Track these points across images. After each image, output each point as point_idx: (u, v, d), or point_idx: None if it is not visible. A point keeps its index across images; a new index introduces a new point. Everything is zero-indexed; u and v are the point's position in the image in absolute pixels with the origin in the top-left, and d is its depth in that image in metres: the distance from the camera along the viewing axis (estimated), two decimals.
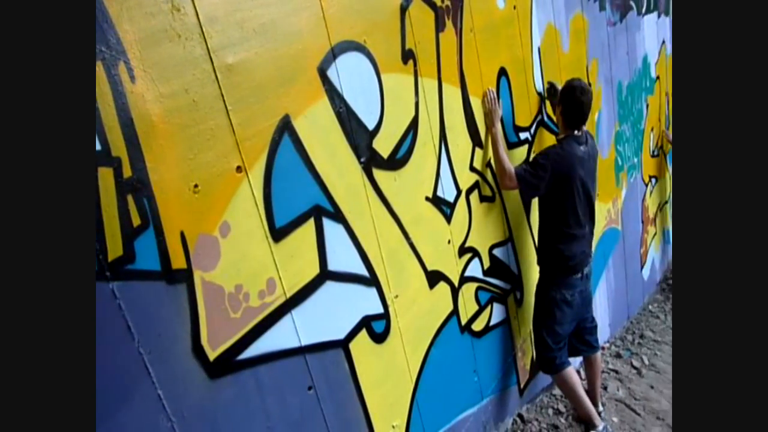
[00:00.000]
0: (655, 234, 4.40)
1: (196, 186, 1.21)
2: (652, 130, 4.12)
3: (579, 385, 2.47)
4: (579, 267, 2.36)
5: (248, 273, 1.35)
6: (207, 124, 1.23)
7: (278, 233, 1.41)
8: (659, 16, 4.08)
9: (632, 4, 3.53)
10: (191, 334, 1.23)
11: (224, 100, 1.25)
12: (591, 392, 2.73)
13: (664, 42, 4.23)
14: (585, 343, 2.63)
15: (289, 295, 1.46)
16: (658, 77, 4.14)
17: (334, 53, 1.52)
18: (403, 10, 1.74)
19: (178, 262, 1.19)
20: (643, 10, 3.74)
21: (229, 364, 1.32)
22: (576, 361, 2.91)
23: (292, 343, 1.48)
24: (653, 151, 4.23)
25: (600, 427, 2.45)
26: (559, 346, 2.44)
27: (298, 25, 1.41)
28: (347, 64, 1.56)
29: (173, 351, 1.20)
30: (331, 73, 1.51)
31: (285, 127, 1.40)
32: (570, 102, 2.24)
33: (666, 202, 4.65)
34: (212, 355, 1.28)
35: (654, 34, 4.00)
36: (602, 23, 3.13)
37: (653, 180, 4.27)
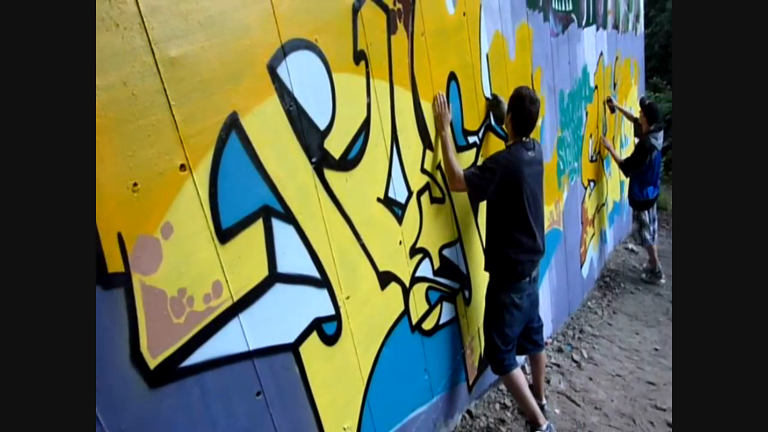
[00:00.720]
0: (594, 234, 4.66)
1: (135, 184, 1.15)
2: (590, 136, 4.37)
3: (525, 386, 2.57)
4: (527, 272, 2.43)
5: (192, 276, 1.29)
6: (148, 119, 1.16)
7: (225, 234, 1.36)
8: (597, 29, 4.33)
9: (573, 16, 3.73)
10: (129, 342, 1.16)
11: (167, 95, 1.20)
12: (536, 387, 2.85)
13: (602, 53, 4.50)
14: (532, 342, 2.73)
15: (236, 298, 1.41)
16: (596, 87, 4.39)
17: (285, 51, 1.49)
18: (355, 10, 1.73)
19: (114, 265, 1.12)
20: (584, 22, 3.96)
21: (171, 372, 1.25)
22: (521, 357, 3.02)
23: (240, 348, 1.44)
24: (592, 157, 4.48)
25: (544, 427, 2.55)
26: (509, 348, 2.52)
27: (247, 20, 1.37)
28: (298, 62, 1.53)
29: (109, 360, 1.13)
30: (281, 70, 1.48)
31: (232, 124, 1.36)
32: (519, 110, 2.30)
33: (603, 205, 4.94)
34: (152, 363, 1.21)
35: (593, 45, 4.25)
36: (546, 33, 3.27)
37: (592, 183, 4.52)
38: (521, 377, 2.56)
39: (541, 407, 2.79)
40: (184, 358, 1.29)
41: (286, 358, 1.60)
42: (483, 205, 2.70)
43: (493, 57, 2.65)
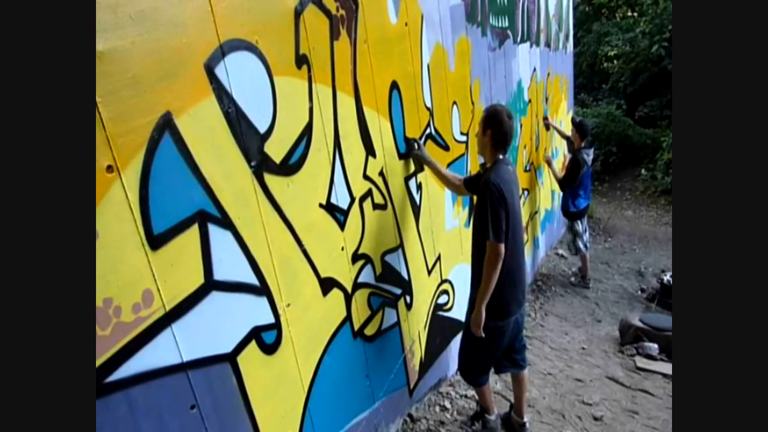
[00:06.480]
0: (527, 240, 4.90)
1: None
2: (524, 147, 4.60)
3: (489, 393, 2.79)
4: (513, 309, 2.38)
5: (120, 284, 1.21)
6: None
7: (157, 240, 1.29)
8: (531, 46, 4.59)
9: (509, 32, 3.92)
10: None
11: None
12: (517, 406, 2.81)
13: (535, 69, 4.76)
14: (512, 361, 2.68)
15: (168, 307, 1.34)
16: (530, 100, 4.64)
17: (223, 51, 1.45)
18: (297, 14, 1.72)
19: None
20: (518, 39, 4.18)
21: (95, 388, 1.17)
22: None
23: (173, 360, 1.37)
24: (526, 167, 4.72)
25: (492, 417, 2.77)
26: (485, 370, 2.65)
27: (182, 17, 1.32)
28: (237, 63, 1.49)
29: None
30: (219, 71, 1.44)
31: (166, 124, 1.30)
32: (498, 127, 2.32)
33: (536, 212, 5.21)
34: None
35: (527, 61, 4.49)
36: (484, 47, 3.42)
37: (526, 192, 4.76)
38: (488, 389, 2.75)
39: (522, 425, 2.78)
40: (110, 372, 1.20)
41: (223, 369, 1.54)
42: (426, 211, 2.76)
43: (434, 68, 2.73)
